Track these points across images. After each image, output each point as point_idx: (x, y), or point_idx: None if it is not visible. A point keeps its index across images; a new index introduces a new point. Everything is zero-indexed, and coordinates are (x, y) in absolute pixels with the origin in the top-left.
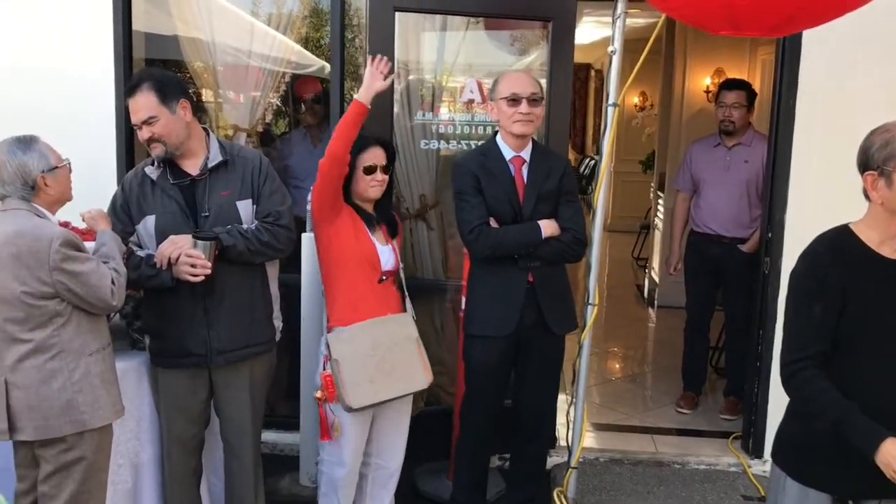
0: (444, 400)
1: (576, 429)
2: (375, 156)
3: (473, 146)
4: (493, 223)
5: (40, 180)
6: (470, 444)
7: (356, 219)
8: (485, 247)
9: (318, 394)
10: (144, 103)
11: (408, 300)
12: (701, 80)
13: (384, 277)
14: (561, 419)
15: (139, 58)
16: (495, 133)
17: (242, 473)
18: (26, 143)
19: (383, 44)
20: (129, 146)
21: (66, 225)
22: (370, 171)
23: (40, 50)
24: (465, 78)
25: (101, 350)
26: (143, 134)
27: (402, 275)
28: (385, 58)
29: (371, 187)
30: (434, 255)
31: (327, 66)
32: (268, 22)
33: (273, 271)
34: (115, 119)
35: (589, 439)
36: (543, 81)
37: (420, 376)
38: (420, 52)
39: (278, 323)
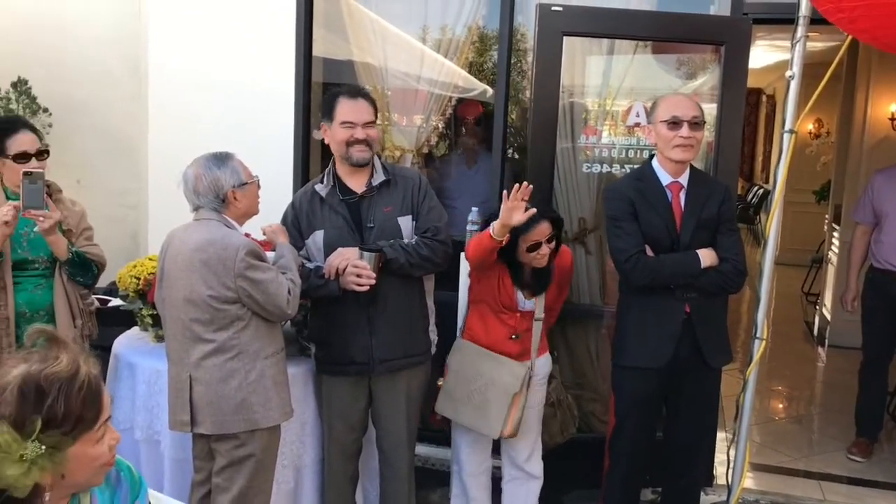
0: (597, 428)
1: (736, 468)
2: (541, 232)
3: None
4: (648, 251)
5: (231, 194)
6: (620, 477)
7: (505, 275)
8: (641, 276)
9: (440, 382)
10: (367, 108)
11: (534, 357)
12: (886, 107)
13: (517, 335)
14: (719, 457)
15: (317, 82)
16: (651, 157)
17: (396, 482)
18: (221, 159)
19: (550, 67)
20: (305, 165)
21: (247, 237)
22: (533, 248)
23: (232, 67)
24: (630, 101)
25: (276, 354)
26: (358, 133)
27: (536, 330)
28: (527, 185)
29: (535, 260)
30: (591, 279)
31: (489, 89)
32: (434, 47)
33: (429, 286)
34: (293, 139)
35: (749, 480)
36: (711, 106)
37: (497, 426)
38: (585, 76)
39: (433, 336)
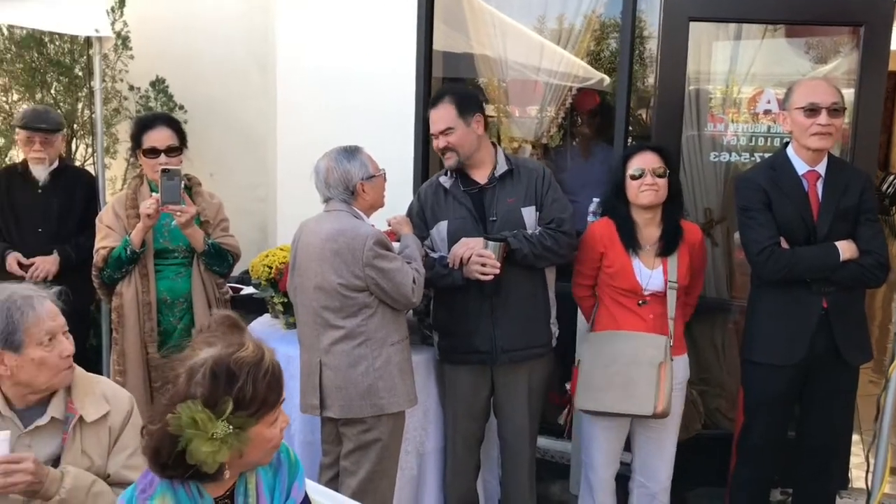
0: (723, 424)
1: (877, 471)
2: (644, 160)
3: None
4: (783, 243)
5: (359, 186)
6: (747, 477)
7: (614, 243)
8: (775, 270)
9: (568, 385)
10: (443, 115)
11: (672, 322)
12: None
13: (645, 301)
14: (855, 458)
15: (437, 77)
16: (785, 145)
17: (517, 473)
18: (351, 152)
19: (676, 54)
20: (425, 158)
21: None
22: (637, 176)
23: (356, 63)
24: (757, 88)
25: (401, 342)
26: (438, 143)
27: (671, 297)
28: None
29: (641, 192)
30: (718, 272)
31: (607, 78)
32: (552, 37)
33: (551, 277)
34: (414, 133)
35: (889, 484)
36: (847, 91)
37: (648, 402)
38: (712, 62)
39: (555, 329)
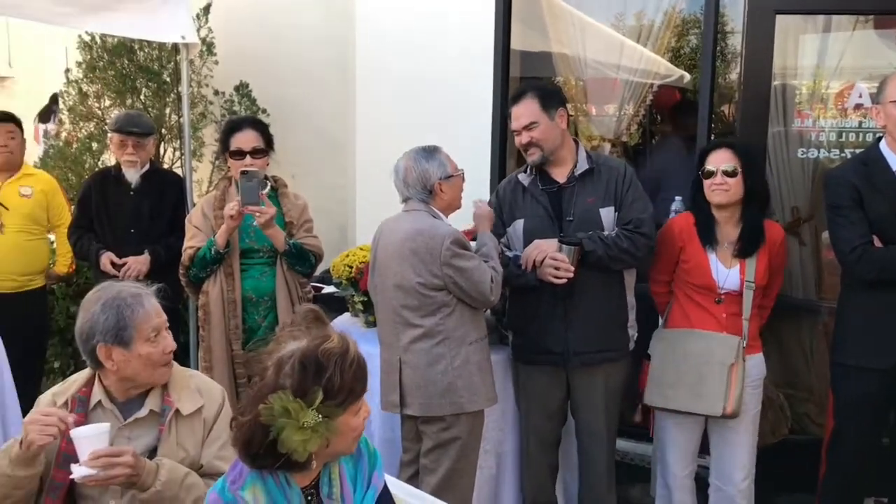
0: (811, 430)
1: None
2: (718, 158)
3: None
4: (876, 242)
5: (437, 186)
6: (837, 484)
7: (693, 239)
8: (868, 269)
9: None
10: (526, 110)
11: (746, 322)
12: None
13: (721, 299)
14: None
15: (514, 76)
16: (878, 140)
17: (596, 475)
18: (430, 152)
19: (761, 49)
20: (502, 159)
21: None
22: (709, 175)
23: (433, 64)
24: (847, 82)
25: (480, 341)
26: (521, 139)
27: (747, 297)
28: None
29: (712, 191)
30: (806, 272)
31: (687, 75)
32: (631, 34)
33: (630, 279)
34: (491, 133)
35: None
36: None
37: (718, 403)
38: (798, 56)
39: (632, 332)
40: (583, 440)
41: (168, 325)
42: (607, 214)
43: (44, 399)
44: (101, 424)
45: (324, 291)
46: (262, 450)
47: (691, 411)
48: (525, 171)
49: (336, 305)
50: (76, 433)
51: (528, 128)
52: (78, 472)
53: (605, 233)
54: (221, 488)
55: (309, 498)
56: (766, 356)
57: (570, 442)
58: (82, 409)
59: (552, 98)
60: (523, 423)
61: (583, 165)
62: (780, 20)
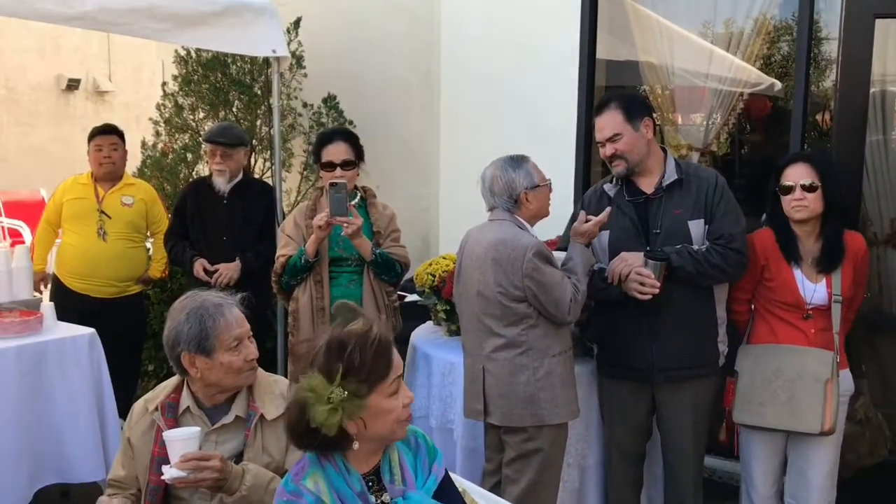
0: None
1: None
2: (795, 173)
3: None
4: None
5: (523, 196)
6: None
7: (776, 256)
8: None
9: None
10: (610, 121)
11: (837, 337)
12: None
13: (809, 314)
14: None
15: (600, 85)
16: None
17: (680, 493)
18: (517, 161)
19: (859, 55)
20: (587, 169)
21: None
22: (787, 191)
23: (518, 74)
24: None
25: (563, 353)
26: (605, 151)
27: (835, 311)
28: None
29: (791, 208)
30: None
31: (777, 83)
32: (720, 42)
33: (721, 294)
34: (576, 143)
35: None
36: None
37: (816, 420)
38: None
39: (723, 347)
40: (668, 458)
41: (251, 334)
42: (696, 227)
43: (137, 406)
44: (192, 428)
45: (407, 300)
46: (303, 429)
47: (787, 429)
48: (611, 182)
49: (419, 313)
50: (168, 435)
51: (611, 139)
52: (168, 473)
53: (695, 247)
54: (286, 481)
55: (370, 484)
56: (865, 374)
57: (655, 457)
58: (171, 415)
59: (636, 108)
60: (607, 436)
61: (671, 176)
62: (880, 24)
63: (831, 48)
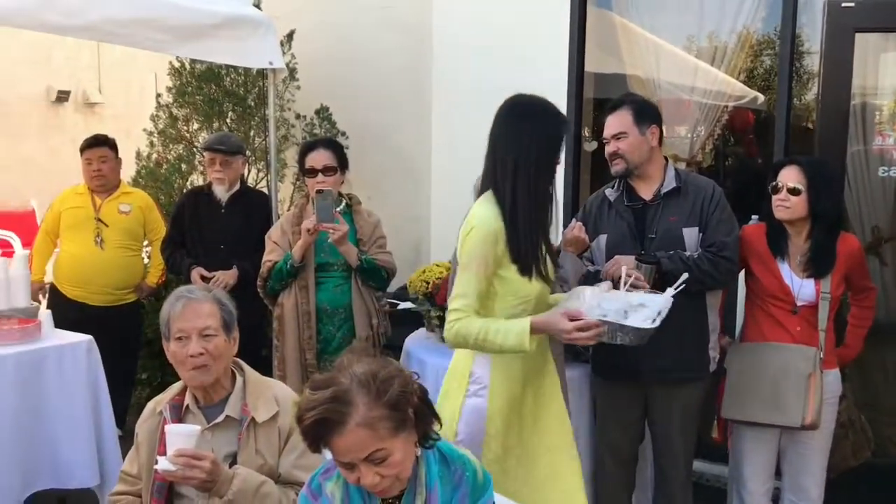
0: (894, 453)
1: None
2: (786, 174)
3: None
4: None
5: None
6: None
7: (763, 250)
8: None
9: None
10: (619, 120)
11: (822, 334)
12: None
13: (797, 309)
14: None
15: (588, 97)
16: None
17: (669, 495)
18: None
19: (839, 69)
20: (576, 179)
21: None
22: (776, 189)
23: (508, 89)
24: None
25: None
26: (609, 147)
27: (823, 308)
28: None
29: (775, 207)
30: (889, 293)
31: (761, 96)
32: (704, 56)
33: (714, 300)
34: (564, 153)
35: None
36: None
37: (797, 413)
38: (879, 75)
39: (714, 353)
40: (658, 460)
41: (210, 333)
42: (690, 234)
43: (148, 406)
44: (194, 426)
45: (400, 307)
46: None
47: (770, 423)
48: (612, 187)
49: (412, 320)
50: (169, 428)
51: (616, 137)
52: (161, 464)
53: (688, 253)
54: (315, 475)
55: None
56: (848, 377)
57: (644, 462)
58: (175, 415)
59: (647, 113)
60: (599, 438)
61: (670, 184)
62: (860, 38)
63: (813, 62)
